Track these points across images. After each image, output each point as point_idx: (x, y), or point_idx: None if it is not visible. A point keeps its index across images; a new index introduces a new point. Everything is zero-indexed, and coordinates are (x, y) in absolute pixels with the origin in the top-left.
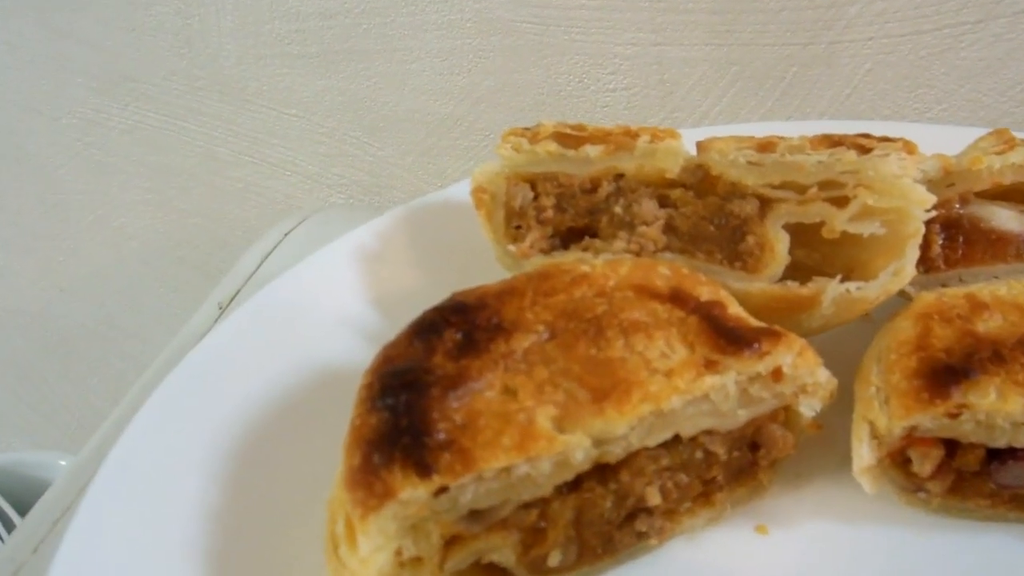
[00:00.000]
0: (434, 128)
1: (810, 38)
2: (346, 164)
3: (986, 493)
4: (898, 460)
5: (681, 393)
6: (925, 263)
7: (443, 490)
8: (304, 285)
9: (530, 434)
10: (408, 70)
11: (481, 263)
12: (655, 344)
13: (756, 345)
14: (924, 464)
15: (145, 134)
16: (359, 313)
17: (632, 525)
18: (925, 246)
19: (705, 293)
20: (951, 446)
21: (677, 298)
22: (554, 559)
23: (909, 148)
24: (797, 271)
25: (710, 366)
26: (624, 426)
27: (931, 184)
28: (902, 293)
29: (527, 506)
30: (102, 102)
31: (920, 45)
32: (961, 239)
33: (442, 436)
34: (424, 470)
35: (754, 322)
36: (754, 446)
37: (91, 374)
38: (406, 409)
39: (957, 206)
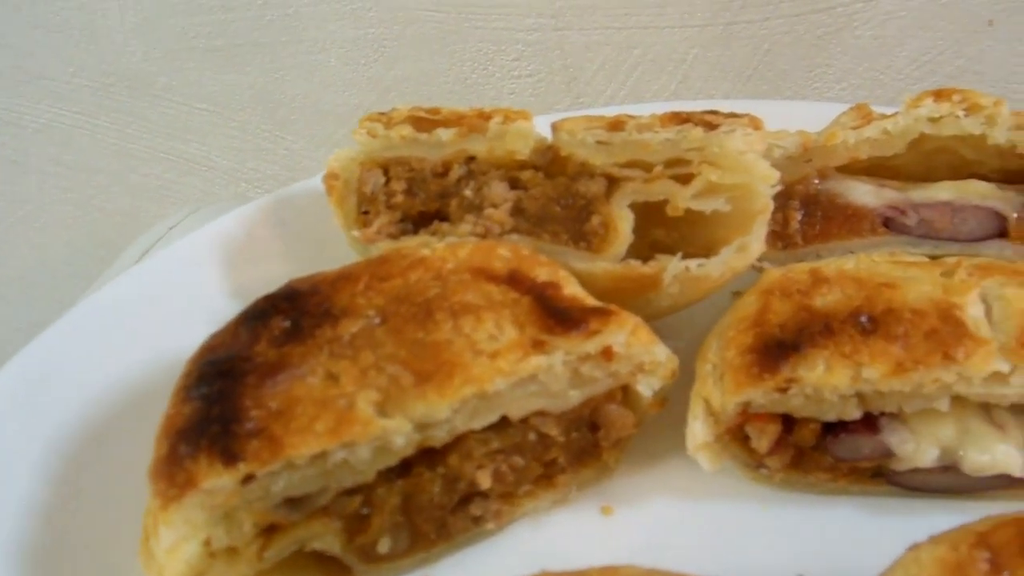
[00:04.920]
0: (344, 119)
1: (708, 19)
2: (260, 158)
3: (826, 467)
4: (739, 436)
5: (505, 375)
6: (784, 239)
7: (250, 478)
8: (158, 276)
9: (346, 419)
10: (314, 61)
11: (345, 251)
12: (483, 326)
13: (584, 325)
14: (762, 440)
15: (59, 132)
16: (218, 304)
17: (467, 510)
18: (784, 223)
19: (543, 274)
20: (790, 421)
21: (513, 280)
22: (384, 546)
23: (755, 124)
24: (658, 251)
25: (537, 346)
26: (446, 409)
27: (790, 160)
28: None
29: (350, 492)
30: (12, 100)
31: (815, 24)
32: (819, 215)
33: (252, 424)
34: (230, 458)
35: (590, 302)
36: (593, 426)
37: None
38: (219, 397)
39: (816, 181)
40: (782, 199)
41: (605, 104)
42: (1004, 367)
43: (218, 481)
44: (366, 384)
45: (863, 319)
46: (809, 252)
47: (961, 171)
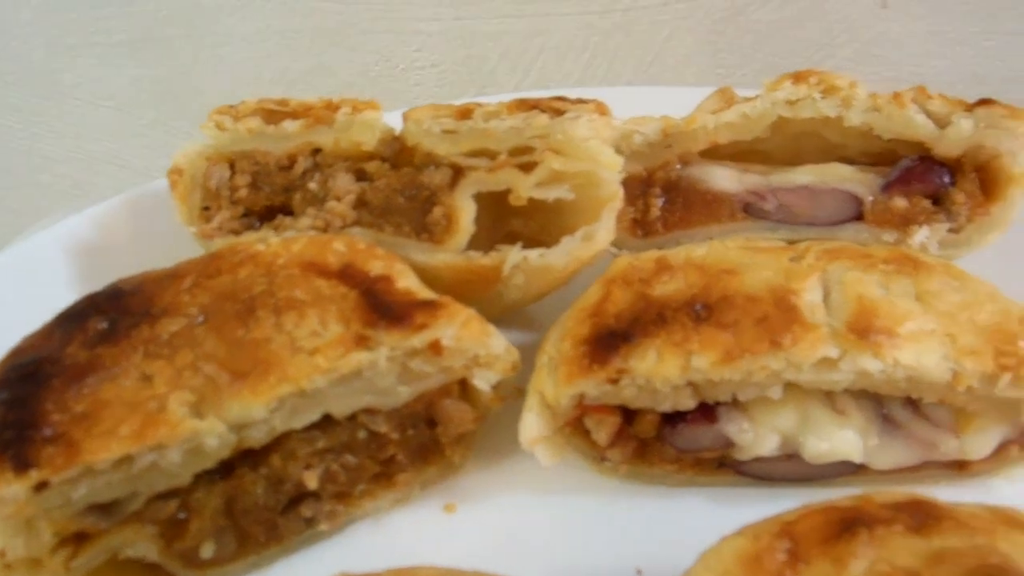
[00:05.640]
0: None
1: (606, 6)
2: (172, 156)
3: (670, 458)
4: (580, 429)
5: (324, 372)
6: (644, 227)
7: (43, 485)
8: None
9: (154, 421)
10: (218, 55)
11: (198, 249)
12: (307, 322)
13: (410, 319)
14: (601, 432)
15: None
16: (59, 305)
17: (298, 511)
18: (644, 209)
19: (377, 268)
20: (631, 413)
21: (345, 274)
22: (207, 551)
23: (601, 109)
24: (515, 241)
25: (360, 342)
26: (261, 409)
27: (651, 146)
28: None
29: (165, 496)
30: None
31: (713, 9)
32: (680, 201)
33: (50, 429)
34: (21, 465)
35: (422, 295)
36: (431, 423)
37: None
38: (18, 403)
39: (678, 167)
40: (643, 185)
41: (511, 92)
42: (833, 352)
43: (8, 490)
44: (180, 385)
45: (698, 307)
46: (670, 239)
47: (829, 154)
